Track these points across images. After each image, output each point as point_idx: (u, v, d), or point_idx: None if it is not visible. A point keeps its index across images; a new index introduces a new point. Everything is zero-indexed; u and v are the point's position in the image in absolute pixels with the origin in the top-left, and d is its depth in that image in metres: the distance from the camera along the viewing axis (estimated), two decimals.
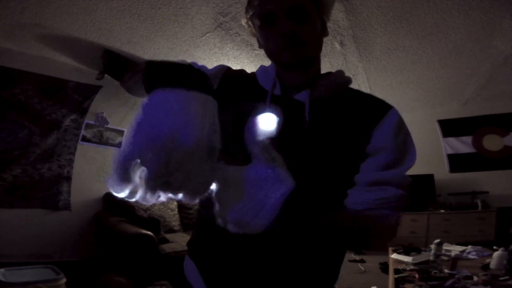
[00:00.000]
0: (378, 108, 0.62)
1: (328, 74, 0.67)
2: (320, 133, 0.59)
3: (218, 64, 0.77)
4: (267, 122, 0.51)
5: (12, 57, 2.77)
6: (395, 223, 0.57)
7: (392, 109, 0.62)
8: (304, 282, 0.61)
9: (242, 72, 0.73)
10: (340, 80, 0.66)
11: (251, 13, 0.65)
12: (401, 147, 0.59)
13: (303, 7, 0.60)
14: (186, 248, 2.43)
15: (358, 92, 0.67)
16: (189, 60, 0.70)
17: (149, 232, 2.48)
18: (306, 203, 0.51)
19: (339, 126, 0.59)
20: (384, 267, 3.00)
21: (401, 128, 0.61)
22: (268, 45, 0.64)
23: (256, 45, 0.75)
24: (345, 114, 0.61)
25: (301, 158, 0.57)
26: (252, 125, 0.50)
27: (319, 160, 0.58)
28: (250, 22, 0.68)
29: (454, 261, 1.68)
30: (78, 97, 3.15)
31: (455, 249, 2.16)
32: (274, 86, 0.66)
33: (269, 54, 0.65)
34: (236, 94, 0.66)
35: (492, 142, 3.96)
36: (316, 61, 0.67)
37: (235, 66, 3.36)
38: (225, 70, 0.72)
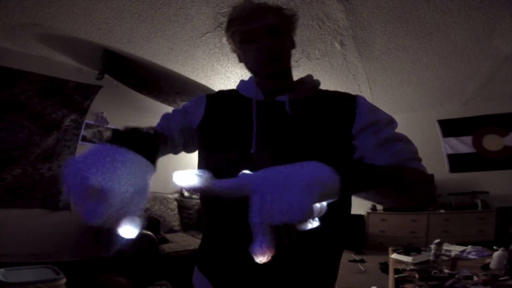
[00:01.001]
0: (349, 99, 0.71)
1: (302, 80, 0.76)
2: (301, 124, 0.67)
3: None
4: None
5: (12, 57, 2.77)
6: (427, 173, 0.63)
7: (359, 96, 0.72)
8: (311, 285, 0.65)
9: (222, 91, 0.83)
10: (312, 83, 0.75)
11: (232, 31, 0.73)
12: (382, 117, 0.68)
13: (278, 26, 0.69)
14: (186, 248, 2.46)
15: (327, 91, 0.76)
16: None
17: (149, 232, 2.48)
18: None
19: (318, 117, 0.68)
20: (384, 267, 3.00)
21: (373, 106, 0.71)
22: (251, 59, 0.73)
23: None
24: (321, 107, 0.70)
25: (288, 146, 0.64)
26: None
27: (304, 146, 0.64)
28: (231, 40, 0.75)
29: (454, 261, 1.68)
30: (78, 97, 3.15)
31: (455, 249, 2.16)
32: (257, 94, 0.73)
33: (251, 67, 0.75)
34: (223, 108, 0.75)
35: (492, 142, 3.96)
36: (289, 71, 0.76)
37: (235, 66, 3.34)
38: (206, 95, 0.80)
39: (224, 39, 0.77)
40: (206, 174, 0.40)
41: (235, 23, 0.71)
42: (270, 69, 0.70)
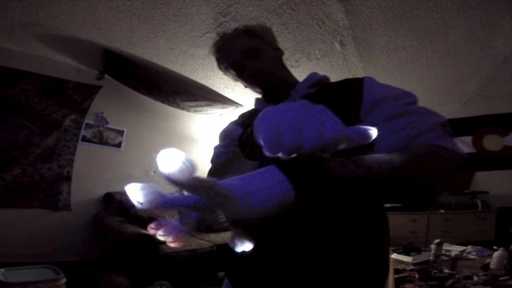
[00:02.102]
0: (355, 82, 0.68)
1: (305, 80, 0.78)
2: None
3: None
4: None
5: (12, 57, 2.77)
6: (450, 148, 0.46)
7: (366, 77, 0.69)
8: (343, 279, 0.58)
9: (244, 112, 0.89)
10: (315, 78, 0.76)
11: (224, 67, 0.81)
12: (390, 92, 0.61)
13: (253, 46, 0.75)
14: (186, 248, 2.48)
15: (335, 83, 0.75)
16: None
17: (149, 232, 2.48)
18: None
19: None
20: None
21: (381, 84, 0.66)
22: (249, 85, 0.79)
23: None
24: (327, 101, 0.68)
25: None
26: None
27: None
28: (227, 73, 0.83)
29: (454, 261, 1.68)
30: (78, 97, 3.15)
31: (455, 249, 2.16)
32: (268, 105, 0.75)
33: (253, 91, 0.81)
34: (246, 124, 0.79)
35: (492, 142, 3.95)
36: (287, 77, 0.80)
37: None
38: (234, 122, 0.87)
39: (222, 74, 0.84)
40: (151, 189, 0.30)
41: (220, 61, 0.80)
42: (266, 87, 0.76)
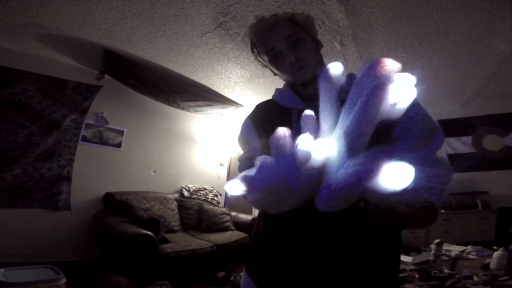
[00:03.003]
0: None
1: None
2: None
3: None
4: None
5: (12, 57, 2.77)
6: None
7: None
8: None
9: (259, 105, 0.85)
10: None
11: (257, 51, 0.79)
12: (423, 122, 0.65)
13: (295, 35, 0.73)
14: (186, 248, 2.48)
15: None
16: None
17: (149, 232, 2.48)
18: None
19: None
20: None
21: (416, 105, 0.67)
22: (282, 72, 0.76)
23: None
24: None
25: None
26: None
27: None
28: (259, 58, 0.81)
29: (454, 261, 1.68)
30: (78, 97, 3.15)
31: (455, 249, 2.16)
32: (296, 103, 0.74)
33: (285, 79, 0.79)
34: (266, 122, 0.75)
35: (492, 142, 3.95)
36: None
37: (235, 66, 3.32)
38: (249, 118, 0.82)
39: (253, 58, 0.83)
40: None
41: (256, 45, 0.78)
42: (300, 78, 0.73)
